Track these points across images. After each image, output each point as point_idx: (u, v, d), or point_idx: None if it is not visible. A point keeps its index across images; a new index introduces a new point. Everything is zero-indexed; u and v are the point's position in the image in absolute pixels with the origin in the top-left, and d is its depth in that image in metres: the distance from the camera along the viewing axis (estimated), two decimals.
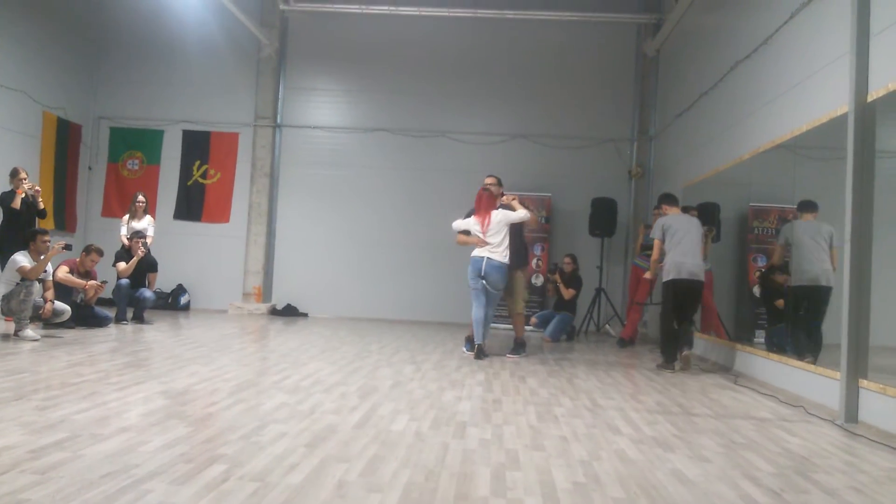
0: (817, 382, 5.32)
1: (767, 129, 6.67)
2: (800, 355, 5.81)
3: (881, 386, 4.46)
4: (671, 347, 6.96)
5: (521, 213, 7.19)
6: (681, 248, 6.86)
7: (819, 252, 5.74)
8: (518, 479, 3.08)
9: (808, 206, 5.98)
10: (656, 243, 7.18)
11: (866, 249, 4.75)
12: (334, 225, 11.91)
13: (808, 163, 6.20)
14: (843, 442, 4.17)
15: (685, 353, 6.92)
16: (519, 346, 7.50)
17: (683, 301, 6.92)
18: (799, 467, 3.53)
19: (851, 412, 4.69)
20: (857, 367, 4.71)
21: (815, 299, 5.84)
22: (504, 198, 7.45)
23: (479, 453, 3.47)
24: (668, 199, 7.60)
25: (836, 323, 4.90)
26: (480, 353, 7.09)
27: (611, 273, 11.34)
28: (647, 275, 8.15)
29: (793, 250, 6.18)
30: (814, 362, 5.56)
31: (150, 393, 4.53)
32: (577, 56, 11.84)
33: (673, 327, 6.98)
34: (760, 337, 6.91)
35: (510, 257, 7.14)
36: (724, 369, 7.11)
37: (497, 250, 7.06)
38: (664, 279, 7.05)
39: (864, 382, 4.64)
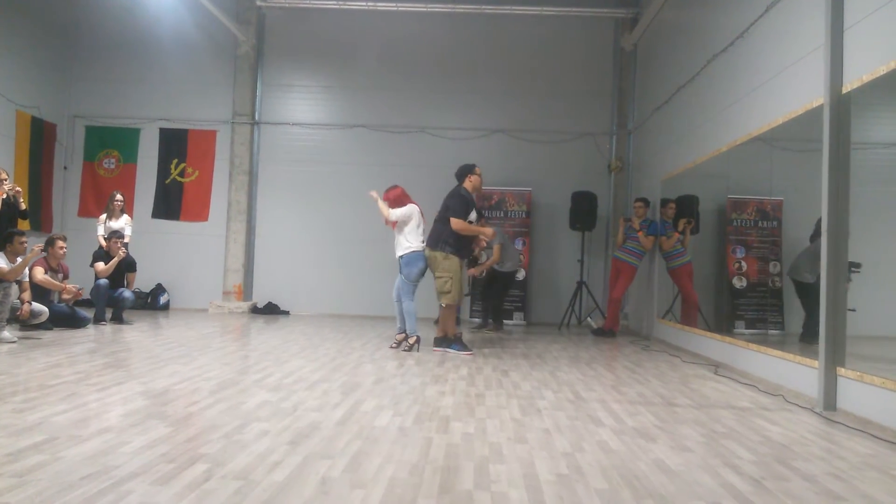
0: (796, 371, 5.39)
1: (744, 121, 6.73)
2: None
3: (858, 374, 4.52)
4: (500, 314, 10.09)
5: None
6: (513, 248, 10.16)
7: None
8: (502, 471, 3.09)
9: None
10: (498, 247, 9.40)
11: (843, 240, 4.82)
12: (315, 222, 11.86)
13: (784, 154, 6.27)
14: (822, 429, 4.23)
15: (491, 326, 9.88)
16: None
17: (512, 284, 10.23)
18: (779, 455, 3.57)
19: (830, 400, 4.76)
20: (835, 356, 4.77)
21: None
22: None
23: (463, 447, 3.47)
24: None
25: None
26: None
27: (591, 266, 11.41)
28: (474, 271, 9.79)
29: None
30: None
31: (129, 393, 4.48)
32: (556, 51, 11.87)
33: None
34: (740, 327, 6.99)
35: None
36: (703, 359, 7.19)
37: None
38: (508, 269, 9.71)
39: (841, 370, 4.71)
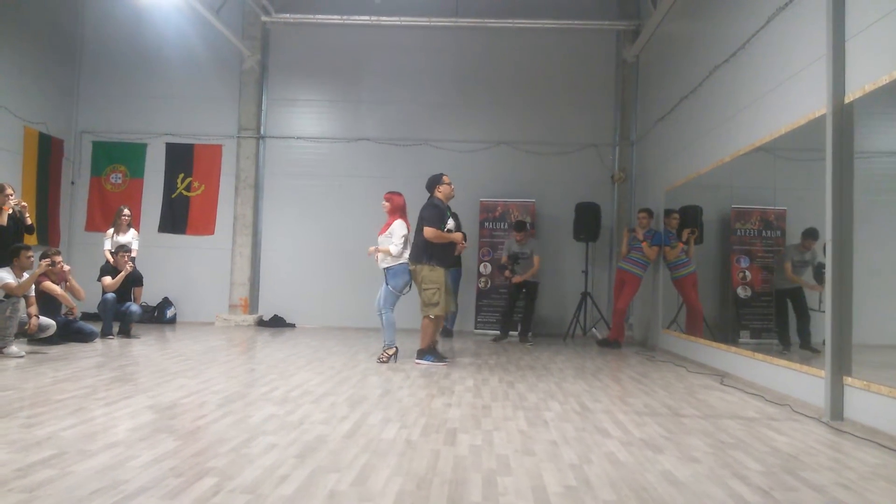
0: (802, 381, 5.38)
1: (747, 131, 6.74)
2: None
3: (865, 383, 4.51)
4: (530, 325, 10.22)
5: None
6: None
7: None
8: (509, 484, 3.09)
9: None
10: (539, 259, 9.87)
11: (847, 249, 4.82)
12: (320, 235, 11.89)
13: (787, 164, 6.28)
14: (830, 439, 4.22)
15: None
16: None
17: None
18: (787, 465, 3.56)
19: (837, 409, 4.75)
20: (842, 365, 4.77)
21: None
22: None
23: (471, 459, 3.47)
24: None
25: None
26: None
27: (596, 277, 11.41)
28: (517, 279, 9.96)
29: None
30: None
31: (137, 407, 4.50)
32: (558, 63, 11.92)
33: None
34: (745, 337, 6.99)
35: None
36: (709, 369, 7.17)
37: None
38: (534, 280, 9.99)
39: (848, 380, 4.70)
